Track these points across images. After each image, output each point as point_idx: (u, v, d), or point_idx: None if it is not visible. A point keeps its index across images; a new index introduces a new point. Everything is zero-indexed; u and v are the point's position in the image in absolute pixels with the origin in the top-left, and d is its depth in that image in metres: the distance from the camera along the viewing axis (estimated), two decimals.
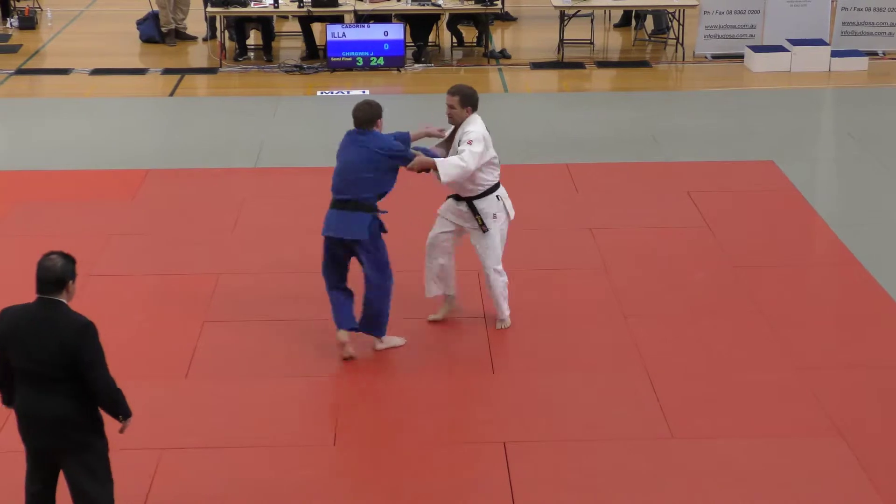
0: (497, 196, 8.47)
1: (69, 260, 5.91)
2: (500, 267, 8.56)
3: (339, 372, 8.14)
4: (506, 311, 8.66)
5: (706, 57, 16.33)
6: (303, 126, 13.70)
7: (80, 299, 9.03)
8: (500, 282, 8.59)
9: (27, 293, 9.30)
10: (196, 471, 7.05)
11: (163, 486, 6.90)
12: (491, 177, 8.41)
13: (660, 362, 8.25)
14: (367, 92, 15.10)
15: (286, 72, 15.99)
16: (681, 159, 12.34)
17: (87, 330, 5.85)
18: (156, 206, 11.03)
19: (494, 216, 8.44)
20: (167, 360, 8.34)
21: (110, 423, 6.05)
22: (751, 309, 8.98)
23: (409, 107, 14.72)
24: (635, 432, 7.45)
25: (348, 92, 15.10)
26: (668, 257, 9.92)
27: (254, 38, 16.85)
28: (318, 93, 15.10)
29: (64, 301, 5.89)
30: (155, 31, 17.35)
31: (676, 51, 16.52)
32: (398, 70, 15.97)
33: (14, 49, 17.15)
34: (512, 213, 8.60)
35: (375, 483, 6.88)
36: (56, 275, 5.84)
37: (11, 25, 18.02)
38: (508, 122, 13.86)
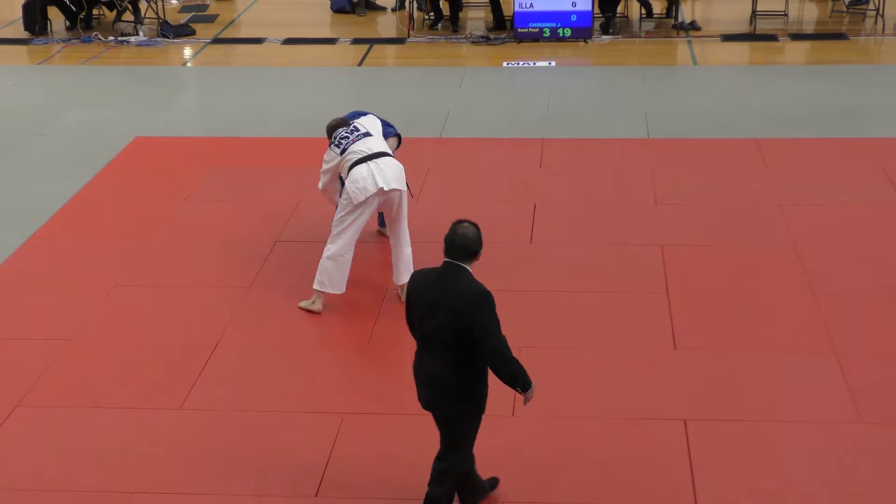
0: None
1: (479, 230, 6.06)
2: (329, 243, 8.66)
3: (516, 346, 8.16)
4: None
5: None
6: (488, 97, 13.73)
7: (267, 261, 9.31)
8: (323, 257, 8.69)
9: (221, 256, 9.61)
10: (376, 434, 7.16)
11: (344, 447, 7.04)
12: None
13: (849, 343, 8.01)
14: (553, 63, 15.04)
15: (473, 42, 16.03)
16: (878, 135, 11.92)
17: (481, 298, 5.90)
18: None
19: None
20: (351, 328, 8.49)
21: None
22: None
23: (596, 79, 14.60)
24: (821, 415, 7.25)
25: (534, 63, 15.06)
26: (861, 236, 9.60)
27: (442, 8, 16.94)
28: (504, 63, 15.10)
29: (468, 268, 6.01)
30: (345, 2, 17.64)
31: (876, 22, 15.93)
32: (585, 41, 15.84)
33: (211, 19, 17.67)
34: (357, 197, 8.50)
35: (554, 455, 6.88)
36: (469, 242, 5.97)
37: None
38: (696, 96, 13.64)
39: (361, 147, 8.63)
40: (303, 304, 8.76)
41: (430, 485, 6.25)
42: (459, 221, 6.05)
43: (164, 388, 7.67)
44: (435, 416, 6.21)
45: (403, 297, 8.68)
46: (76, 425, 7.32)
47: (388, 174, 8.51)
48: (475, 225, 6.05)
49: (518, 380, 5.97)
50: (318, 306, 8.72)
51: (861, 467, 6.77)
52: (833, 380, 7.61)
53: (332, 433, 7.15)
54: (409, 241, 8.78)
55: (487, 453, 6.83)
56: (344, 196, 8.62)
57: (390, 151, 8.76)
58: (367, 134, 8.76)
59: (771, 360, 7.88)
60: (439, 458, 6.23)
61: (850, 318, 8.35)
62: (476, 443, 6.54)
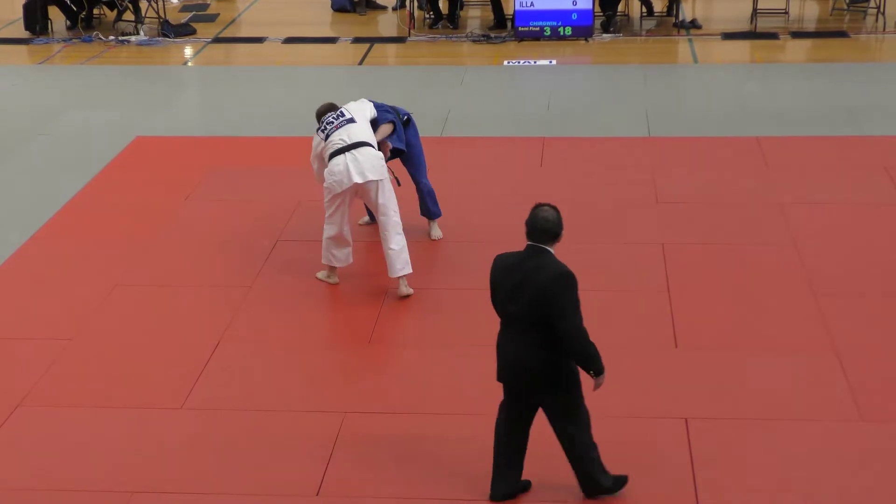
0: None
1: (559, 212, 6.15)
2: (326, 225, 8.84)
3: None
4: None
5: None
6: (489, 96, 13.73)
7: (269, 260, 9.31)
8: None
9: (222, 255, 9.62)
10: (377, 434, 7.16)
11: (345, 447, 7.04)
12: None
13: (850, 342, 8.00)
14: (554, 62, 15.04)
15: (473, 41, 16.03)
16: (879, 133, 11.91)
17: (562, 279, 6.03)
18: None
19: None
20: (352, 327, 8.49)
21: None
22: None
23: (597, 77, 14.60)
24: (822, 413, 7.25)
25: (535, 62, 15.06)
26: (862, 235, 9.60)
27: (442, 7, 16.94)
28: (505, 62, 15.10)
29: (551, 250, 6.15)
30: (346, 1, 17.63)
31: (877, 20, 15.92)
32: (586, 40, 15.84)
33: (212, 18, 17.67)
34: (333, 188, 8.63)
35: (555, 453, 6.87)
36: (552, 225, 6.13)
37: None
38: (697, 94, 13.64)
39: (343, 135, 8.66)
40: (320, 274, 9.02)
41: (584, 464, 6.35)
42: (540, 205, 6.21)
43: (165, 388, 7.67)
44: (518, 396, 6.29)
45: (406, 291, 8.71)
46: (77, 425, 7.32)
47: (364, 165, 8.56)
48: (555, 208, 6.19)
49: (591, 363, 6.12)
50: (334, 279, 8.97)
51: (862, 466, 6.76)
52: (834, 378, 7.61)
53: (333, 432, 7.15)
54: (401, 232, 8.75)
55: (489, 451, 6.83)
56: (326, 184, 8.71)
57: (371, 139, 8.72)
58: (351, 120, 8.76)
59: (772, 358, 7.88)
60: (569, 442, 6.31)
61: (851, 317, 8.34)
62: (477, 442, 6.55)
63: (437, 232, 9.71)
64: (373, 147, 8.69)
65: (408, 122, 9.44)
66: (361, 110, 8.93)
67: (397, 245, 8.70)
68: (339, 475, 6.78)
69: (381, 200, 8.67)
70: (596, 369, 6.12)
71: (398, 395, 7.56)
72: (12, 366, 8.01)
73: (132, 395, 7.60)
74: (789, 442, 6.98)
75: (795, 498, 6.51)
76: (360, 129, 8.74)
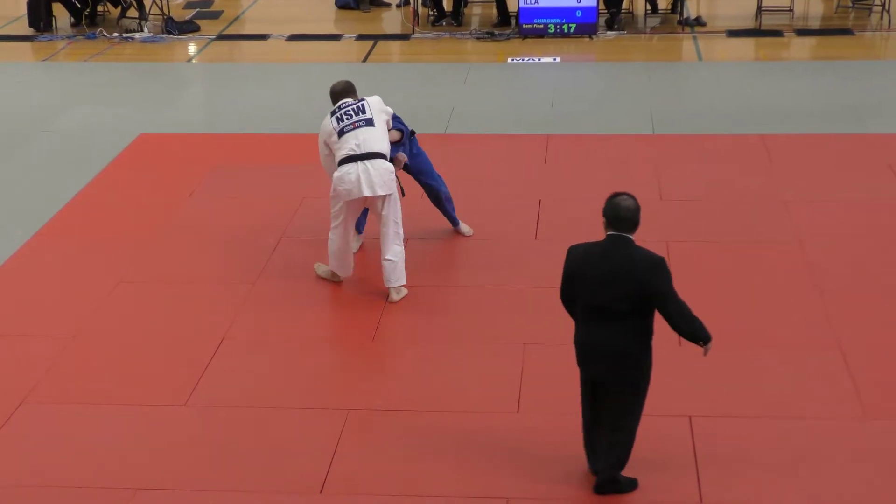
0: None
1: (637, 201, 6.23)
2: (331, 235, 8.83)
3: (525, 340, 8.15)
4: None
5: None
6: (493, 93, 13.72)
7: (272, 258, 9.31)
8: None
9: (226, 252, 9.62)
10: (381, 432, 7.16)
11: (349, 444, 7.04)
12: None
13: (855, 340, 7.99)
14: (558, 59, 15.02)
15: (478, 38, 16.02)
16: (883, 131, 11.89)
17: (660, 265, 6.16)
18: None
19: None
20: (356, 324, 8.49)
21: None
22: None
23: (601, 75, 14.59)
24: (826, 412, 7.24)
25: (539, 59, 15.04)
26: (866, 233, 9.58)
27: (445, 5, 16.93)
28: (509, 59, 15.09)
29: (632, 238, 6.21)
30: None
31: (882, 18, 15.90)
32: (590, 37, 15.83)
33: (216, 15, 17.67)
34: (342, 196, 8.60)
35: (559, 451, 6.87)
36: (632, 214, 6.19)
37: None
38: (701, 92, 13.62)
39: (358, 140, 8.46)
40: (322, 271, 9.04)
41: (599, 464, 6.47)
42: (617, 194, 6.25)
43: (169, 385, 7.67)
44: (601, 388, 6.37)
45: (396, 298, 8.69)
46: (80, 422, 7.32)
47: (375, 180, 8.44)
48: (633, 196, 6.23)
49: (700, 335, 6.28)
50: (337, 278, 8.95)
51: (866, 464, 6.75)
52: (838, 376, 7.59)
53: (337, 429, 7.14)
54: (401, 242, 8.70)
55: (492, 450, 6.84)
56: (334, 191, 8.59)
57: (385, 150, 8.55)
58: (370, 122, 8.53)
59: (776, 356, 7.86)
60: (613, 429, 6.39)
61: (855, 315, 8.33)
62: (481, 439, 6.55)
63: (467, 228, 9.72)
64: (385, 158, 8.54)
65: (411, 136, 9.37)
66: (381, 112, 8.67)
67: (395, 257, 8.65)
68: (343, 472, 6.77)
69: (384, 212, 8.62)
70: (704, 338, 6.31)
71: (402, 393, 7.56)
72: (15, 363, 8.01)
73: (135, 393, 7.60)
74: (793, 440, 6.97)
75: (799, 496, 6.51)
76: (376, 138, 8.52)
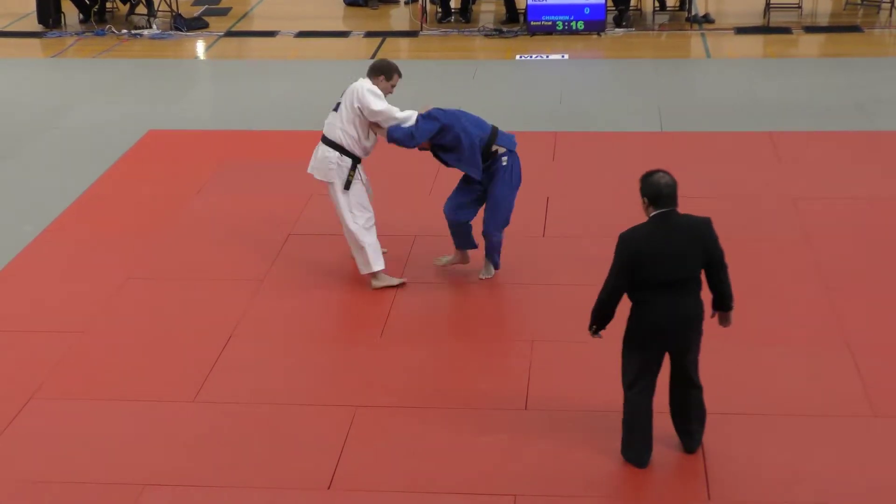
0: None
1: (672, 176, 6.32)
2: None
3: (533, 338, 8.16)
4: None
5: None
6: (501, 90, 13.71)
7: (280, 254, 9.32)
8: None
9: (234, 249, 9.62)
10: (389, 428, 7.17)
11: (356, 440, 7.05)
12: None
13: (863, 338, 7.98)
14: (566, 56, 15.02)
15: (486, 35, 16.02)
16: (892, 128, 11.87)
17: (711, 225, 6.37)
18: None
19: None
20: (364, 321, 8.50)
21: None
22: None
23: (609, 72, 14.58)
24: (835, 409, 7.24)
25: (547, 56, 15.04)
26: (875, 230, 9.57)
27: (453, 2, 16.93)
28: (517, 57, 15.08)
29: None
30: None
31: (891, 15, 15.87)
32: (598, 34, 15.82)
33: (224, 12, 17.69)
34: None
35: (564, 448, 6.88)
36: (673, 189, 6.28)
37: None
38: (710, 89, 13.61)
39: (327, 121, 8.73)
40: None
41: (689, 422, 6.73)
42: (652, 173, 6.33)
43: (178, 381, 7.69)
44: (675, 357, 6.57)
45: (375, 285, 8.76)
46: (89, 417, 7.34)
47: (313, 163, 8.74)
48: (667, 172, 6.31)
49: (732, 297, 6.54)
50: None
51: (874, 461, 6.75)
52: (846, 374, 7.59)
53: (344, 426, 7.15)
54: (356, 239, 8.65)
55: (497, 446, 6.84)
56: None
57: (337, 138, 8.55)
58: (337, 108, 8.71)
59: (784, 353, 7.86)
60: (694, 386, 6.65)
61: (863, 312, 8.32)
62: (490, 436, 6.55)
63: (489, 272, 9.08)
64: (336, 147, 8.57)
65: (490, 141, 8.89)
66: (355, 100, 8.56)
67: (354, 252, 8.79)
68: (351, 469, 6.78)
69: (335, 203, 8.72)
70: (732, 304, 6.54)
71: (410, 389, 7.57)
72: (25, 358, 8.03)
73: (144, 388, 7.62)
74: (801, 437, 6.97)
75: (807, 493, 6.50)
76: (334, 124, 8.64)
